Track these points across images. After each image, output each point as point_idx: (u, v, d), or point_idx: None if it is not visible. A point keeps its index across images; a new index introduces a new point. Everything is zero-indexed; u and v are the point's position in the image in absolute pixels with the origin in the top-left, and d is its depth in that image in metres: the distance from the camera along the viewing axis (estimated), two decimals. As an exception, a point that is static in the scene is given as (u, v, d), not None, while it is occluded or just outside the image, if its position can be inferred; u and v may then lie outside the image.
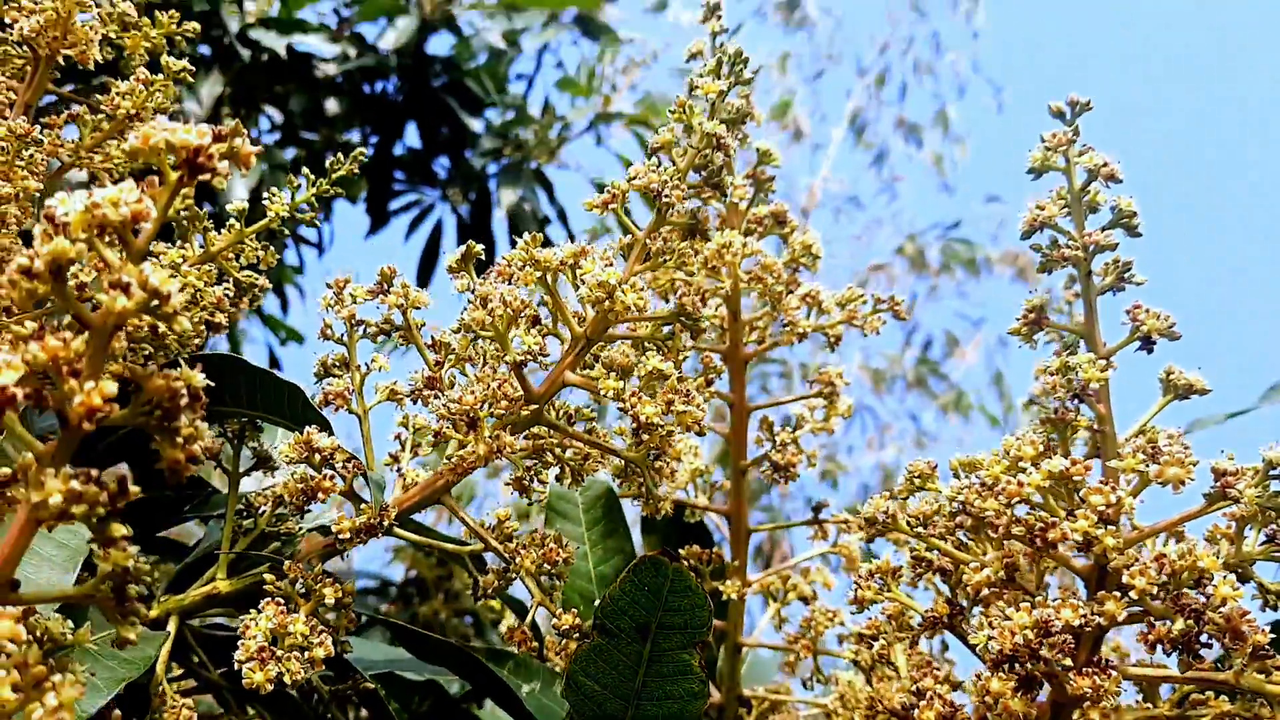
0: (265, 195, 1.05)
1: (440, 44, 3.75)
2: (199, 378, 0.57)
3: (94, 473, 0.52)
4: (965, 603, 0.79)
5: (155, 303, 0.53)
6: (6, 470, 0.56)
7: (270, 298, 3.78)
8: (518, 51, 3.93)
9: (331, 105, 3.68)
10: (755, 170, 1.22)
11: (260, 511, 1.01)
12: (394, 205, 3.96)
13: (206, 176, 0.56)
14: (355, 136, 3.91)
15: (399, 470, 0.99)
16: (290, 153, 3.69)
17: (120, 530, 0.52)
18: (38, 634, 0.56)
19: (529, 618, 0.86)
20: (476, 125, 3.82)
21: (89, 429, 0.52)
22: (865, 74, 9.51)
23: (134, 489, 0.53)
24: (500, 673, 0.93)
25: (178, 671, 1.07)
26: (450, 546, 0.97)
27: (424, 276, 3.86)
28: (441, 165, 3.95)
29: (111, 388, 0.51)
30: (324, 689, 0.94)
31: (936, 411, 8.80)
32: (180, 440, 0.55)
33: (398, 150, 3.92)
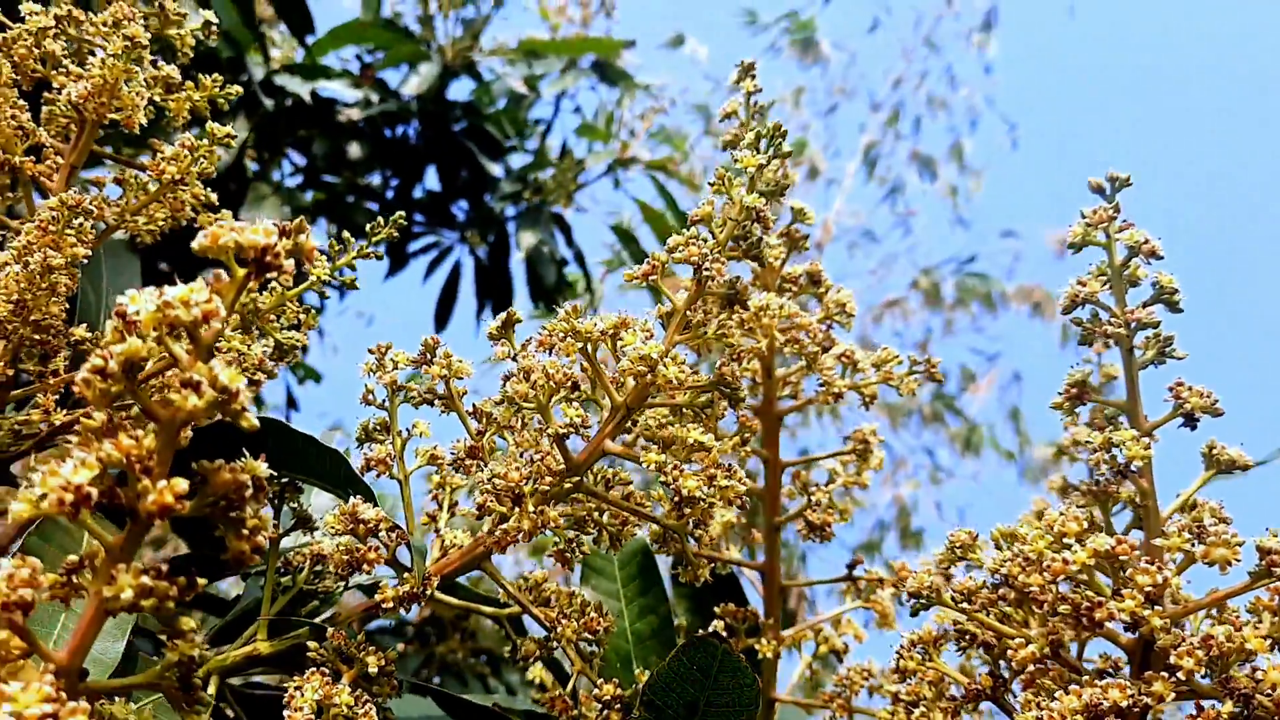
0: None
1: (461, 89, 3.80)
2: (262, 467, 0.58)
3: (163, 567, 0.53)
4: (1008, 674, 0.79)
5: (224, 399, 0.54)
6: (74, 558, 0.57)
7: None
8: (537, 97, 3.98)
9: (353, 149, 3.73)
10: (789, 228, 1.23)
11: (298, 570, 1.02)
12: (413, 247, 3.99)
13: (274, 274, 0.58)
14: (376, 180, 3.96)
15: (437, 531, 1.00)
16: (310, 195, 3.74)
17: (189, 623, 0.53)
18: (104, 715, 0.56)
19: (570, 685, 0.86)
20: (496, 169, 3.86)
21: (160, 525, 0.53)
22: (879, 108, 9.57)
23: (201, 581, 0.54)
24: (541, 741, 0.94)
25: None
26: (489, 610, 0.97)
27: (441, 317, 3.89)
28: (460, 208, 3.98)
29: (183, 485, 0.53)
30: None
31: (952, 446, 8.78)
32: (246, 531, 0.56)
33: (417, 193, 3.96)
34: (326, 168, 3.69)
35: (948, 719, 0.82)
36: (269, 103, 3.06)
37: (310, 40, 3.32)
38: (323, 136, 3.59)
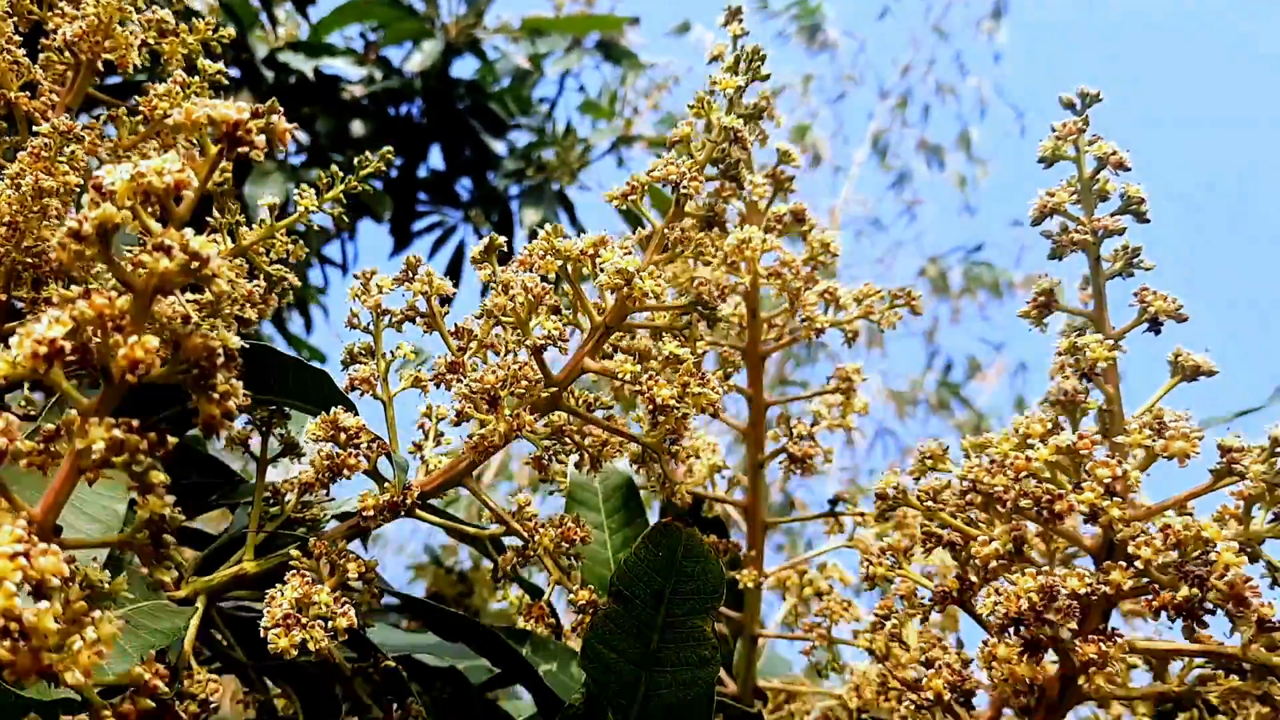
0: (298, 190, 1.09)
1: (464, 67, 3.81)
2: (234, 339, 0.60)
3: (134, 423, 0.55)
4: (974, 578, 0.80)
5: (195, 265, 0.56)
6: (51, 425, 0.59)
7: (294, 317, 3.85)
8: (541, 75, 3.99)
9: (357, 127, 3.74)
10: (775, 170, 1.24)
11: (286, 498, 1.04)
12: (417, 226, 4.01)
13: (245, 149, 0.60)
14: (380, 158, 3.97)
15: (422, 458, 1.02)
16: (315, 173, 3.76)
17: (160, 477, 0.55)
18: (78, 579, 0.58)
19: (547, 594, 0.88)
20: (499, 147, 3.87)
21: (132, 381, 0.54)
22: (887, 96, 9.56)
23: (171, 439, 0.56)
24: (520, 650, 0.95)
25: (206, 655, 1.10)
26: (471, 529, 0.99)
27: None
28: (464, 187, 4.00)
29: (153, 342, 0.54)
30: (346, 666, 0.97)
31: (959, 435, 8.76)
32: (217, 396, 0.58)
33: (421, 172, 3.98)
34: (330, 145, 3.70)
35: (918, 628, 0.83)
36: (269, 75, 3.08)
37: (313, 14, 3.35)
38: (326, 114, 3.61)
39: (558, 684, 0.99)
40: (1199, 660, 0.82)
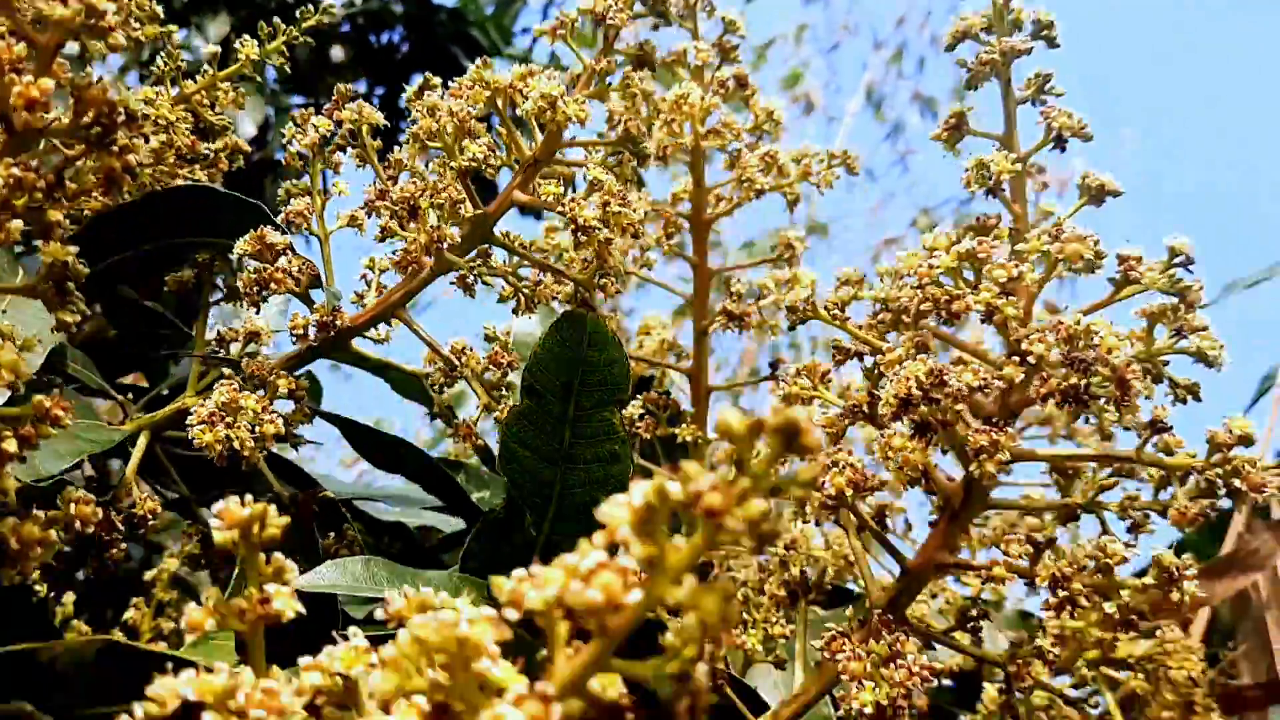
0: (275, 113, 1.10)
1: (445, -7, 3.79)
2: (135, 100, 0.61)
3: (33, 164, 0.57)
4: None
5: (92, 18, 0.58)
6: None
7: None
8: (524, 2, 3.98)
9: (336, 53, 3.74)
10: (721, 39, 1.25)
11: (231, 346, 1.05)
12: (400, 157, 4.00)
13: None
14: (361, 87, 3.96)
15: (364, 307, 1.04)
16: (298, 100, 3.75)
17: (57, 215, 0.57)
18: (-14, 325, 0.60)
19: (476, 416, 0.90)
20: (482, 75, 3.86)
21: (31, 122, 0.56)
22: (882, 47, 9.48)
23: (71, 185, 0.58)
24: (454, 476, 0.98)
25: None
26: (408, 367, 1.01)
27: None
28: (446, 115, 3.99)
29: (49, 84, 0.56)
30: (285, 495, 0.99)
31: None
32: (117, 149, 0.59)
33: (402, 102, 3.96)
34: (309, 70, 3.69)
35: (832, 445, 0.86)
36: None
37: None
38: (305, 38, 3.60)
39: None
40: (1103, 476, 0.85)
